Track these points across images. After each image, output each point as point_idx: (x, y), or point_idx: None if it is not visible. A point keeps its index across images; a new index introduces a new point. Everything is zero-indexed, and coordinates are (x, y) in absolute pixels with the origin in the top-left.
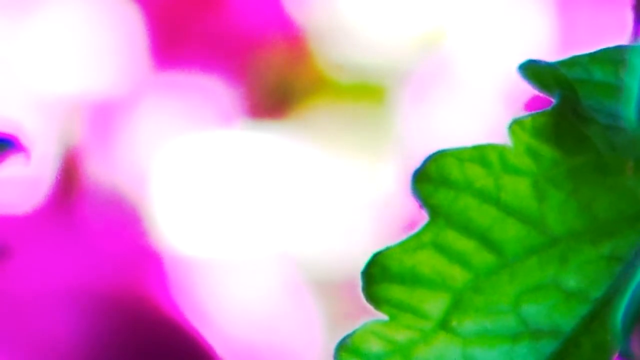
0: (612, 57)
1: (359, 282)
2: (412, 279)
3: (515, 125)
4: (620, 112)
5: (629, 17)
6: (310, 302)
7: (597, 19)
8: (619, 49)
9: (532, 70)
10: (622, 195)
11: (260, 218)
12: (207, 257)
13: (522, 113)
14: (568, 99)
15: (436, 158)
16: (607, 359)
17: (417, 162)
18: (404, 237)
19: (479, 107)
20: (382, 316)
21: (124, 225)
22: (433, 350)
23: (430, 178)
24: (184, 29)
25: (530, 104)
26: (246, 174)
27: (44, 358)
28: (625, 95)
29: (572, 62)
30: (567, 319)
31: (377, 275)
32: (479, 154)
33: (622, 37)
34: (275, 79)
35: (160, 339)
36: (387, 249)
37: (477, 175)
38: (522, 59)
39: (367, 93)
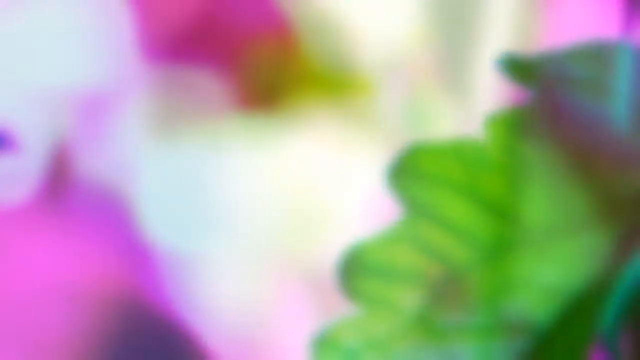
0: (590, 52)
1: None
2: (389, 273)
3: (492, 119)
4: (604, 109)
5: (618, 11)
6: (305, 298)
7: (588, 13)
8: (597, 43)
9: (510, 64)
10: (599, 190)
11: (253, 213)
12: (200, 252)
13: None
14: (545, 93)
15: (412, 152)
16: (584, 355)
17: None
18: (379, 230)
19: (471, 101)
20: (359, 310)
21: (114, 220)
22: (410, 345)
23: (406, 172)
24: (175, 22)
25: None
26: (238, 168)
27: (36, 355)
28: (614, 94)
29: (550, 56)
30: (545, 314)
31: (353, 268)
32: (455, 148)
33: (611, 31)
34: (265, 72)
35: (153, 334)
36: (363, 242)
37: (453, 169)
38: (511, 53)
39: (358, 86)
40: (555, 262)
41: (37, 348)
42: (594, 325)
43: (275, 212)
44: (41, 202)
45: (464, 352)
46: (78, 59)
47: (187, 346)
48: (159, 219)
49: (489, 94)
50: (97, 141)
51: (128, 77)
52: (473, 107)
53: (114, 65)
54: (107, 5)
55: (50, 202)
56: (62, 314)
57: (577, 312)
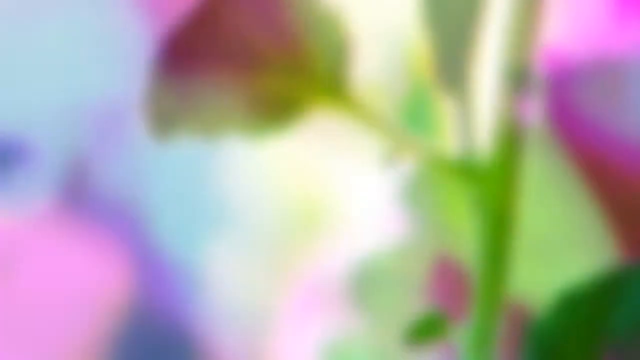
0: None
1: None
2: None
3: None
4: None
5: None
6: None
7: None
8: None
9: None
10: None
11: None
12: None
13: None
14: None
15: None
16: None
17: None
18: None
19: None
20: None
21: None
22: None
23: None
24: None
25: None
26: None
27: None
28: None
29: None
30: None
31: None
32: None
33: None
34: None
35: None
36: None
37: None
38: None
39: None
40: (562, 268)
41: (50, 355)
42: (602, 331)
43: (281, 217)
44: (56, 213)
45: (469, 358)
46: (94, 72)
47: (195, 352)
48: (172, 230)
49: (492, 99)
50: (112, 154)
51: (141, 89)
52: (476, 111)
53: (129, 77)
54: (123, 19)
55: (65, 213)
56: (75, 321)
57: (584, 317)
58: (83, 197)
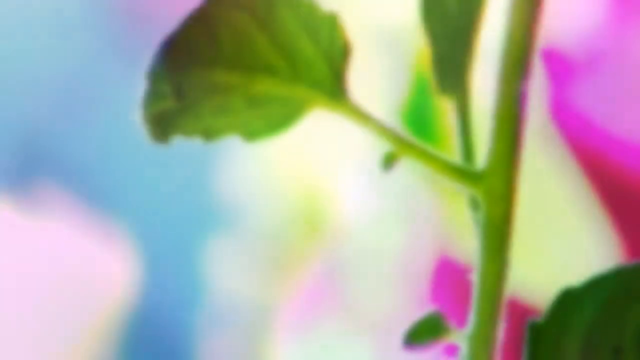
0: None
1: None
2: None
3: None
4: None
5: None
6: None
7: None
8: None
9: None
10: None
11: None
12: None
13: None
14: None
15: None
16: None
17: None
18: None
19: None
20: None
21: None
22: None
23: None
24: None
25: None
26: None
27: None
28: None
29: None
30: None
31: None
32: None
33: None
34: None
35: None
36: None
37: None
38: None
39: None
40: (561, 263)
41: (32, 340)
42: (603, 330)
43: (281, 217)
44: (18, 193)
45: (460, 343)
46: (59, 50)
47: (185, 344)
48: (138, 206)
49: (488, 92)
50: (74, 126)
51: (113, 68)
52: (475, 111)
53: (96, 56)
54: None
55: (27, 193)
56: (54, 311)
57: (584, 316)
58: (46, 178)
